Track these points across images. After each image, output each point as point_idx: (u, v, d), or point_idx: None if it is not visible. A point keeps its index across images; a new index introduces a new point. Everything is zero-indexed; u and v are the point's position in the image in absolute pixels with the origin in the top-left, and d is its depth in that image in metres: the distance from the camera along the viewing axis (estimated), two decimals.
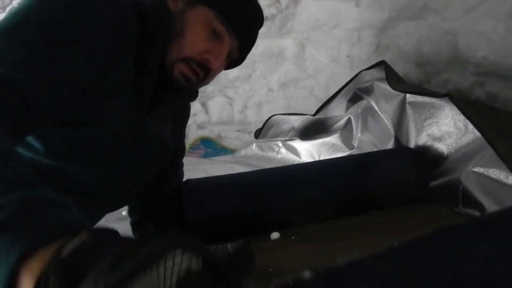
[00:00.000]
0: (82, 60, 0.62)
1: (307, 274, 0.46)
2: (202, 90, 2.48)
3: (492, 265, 0.51)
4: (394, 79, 1.27)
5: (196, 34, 0.75)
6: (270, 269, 0.79)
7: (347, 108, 1.60)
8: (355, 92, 1.53)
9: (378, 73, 1.35)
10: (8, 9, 0.69)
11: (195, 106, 2.46)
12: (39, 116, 0.56)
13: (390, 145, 1.36)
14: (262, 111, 2.51)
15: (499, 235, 0.54)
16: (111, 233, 0.40)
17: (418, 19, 1.63)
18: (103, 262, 0.32)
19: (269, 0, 2.26)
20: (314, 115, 1.66)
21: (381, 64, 1.32)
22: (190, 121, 2.43)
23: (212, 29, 0.76)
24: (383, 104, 1.38)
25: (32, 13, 0.59)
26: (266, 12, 2.27)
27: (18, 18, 0.58)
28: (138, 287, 0.30)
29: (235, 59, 0.85)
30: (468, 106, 1.12)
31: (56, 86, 0.59)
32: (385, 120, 1.40)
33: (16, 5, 0.61)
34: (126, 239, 0.38)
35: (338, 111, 1.64)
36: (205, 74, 0.78)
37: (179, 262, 0.32)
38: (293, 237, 0.94)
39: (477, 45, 1.41)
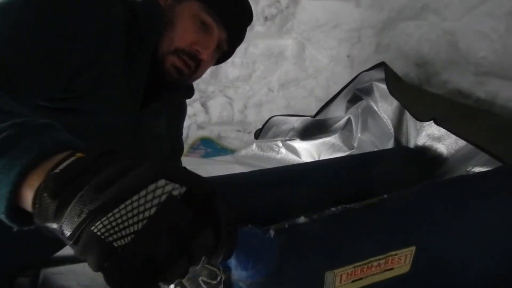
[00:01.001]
0: (66, 44, 0.63)
1: (302, 219, 0.51)
2: (202, 90, 2.48)
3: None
4: (393, 82, 1.26)
5: (185, 26, 0.78)
6: None
7: (347, 109, 1.60)
8: (355, 93, 1.53)
9: (378, 73, 1.35)
10: None
11: (195, 106, 2.46)
12: (20, 87, 0.58)
13: (390, 145, 1.36)
14: (262, 111, 2.51)
15: None
16: (106, 151, 0.39)
17: (418, 19, 1.63)
18: (91, 183, 0.34)
19: (269, 0, 2.26)
20: (314, 116, 1.66)
21: (381, 65, 1.32)
22: (190, 121, 2.44)
23: (200, 20, 0.79)
24: (383, 104, 1.38)
25: (22, 7, 0.60)
26: (266, 12, 2.27)
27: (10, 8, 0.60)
28: (118, 212, 0.33)
29: (225, 53, 0.87)
30: (455, 120, 1.14)
31: (39, 65, 0.60)
32: (384, 120, 1.39)
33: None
34: (120, 158, 0.39)
35: (338, 112, 1.64)
36: (196, 65, 0.81)
37: (161, 188, 0.34)
38: None
39: (477, 45, 1.41)
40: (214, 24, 0.80)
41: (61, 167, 0.37)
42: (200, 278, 0.63)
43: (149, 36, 0.76)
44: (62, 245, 0.85)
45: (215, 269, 0.63)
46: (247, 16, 0.87)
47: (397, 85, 1.28)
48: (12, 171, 0.37)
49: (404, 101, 1.19)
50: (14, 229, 0.41)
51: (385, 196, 0.62)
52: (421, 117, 1.08)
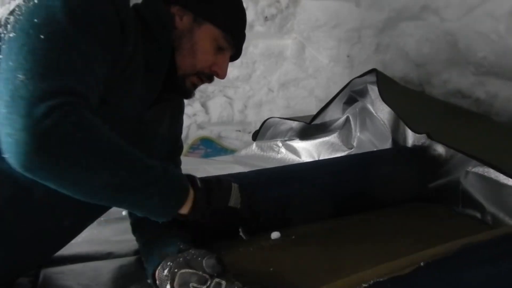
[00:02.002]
0: (102, 56, 0.67)
1: None
2: (202, 90, 2.48)
3: None
4: (385, 89, 1.25)
5: (206, 51, 0.86)
6: (271, 269, 0.79)
7: (344, 110, 1.60)
8: (350, 95, 1.54)
9: (371, 77, 1.35)
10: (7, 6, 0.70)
11: (195, 106, 2.46)
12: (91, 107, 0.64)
13: (388, 144, 1.36)
14: (262, 111, 2.50)
15: None
16: (213, 182, 0.78)
17: (418, 19, 1.63)
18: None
19: (269, 0, 2.26)
20: (310, 122, 1.65)
21: (373, 72, 1.32)
22: (190, 121, 2.44)
23: (218, 44, 0.87)
24: (379, 104, 1.38)
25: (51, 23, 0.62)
26: (266, 12, 2.27)
27: (43, 30, 0.61)
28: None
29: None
30: (450, 125, 1.13)
31: (94, 83, 0.65)
32: (381, 121, 1.40)
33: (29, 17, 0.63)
34: (220, 184, 0.80)
35: (335, 115, 1.64)
36: (211, 81, 0.91)
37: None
38: (293, 237, 0.94)
39: (477, 45, 1.41)
40: (229, 47, 0.89)
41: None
42: (190, 284, 0.63)
43: (164, 43, 0.82)
44: (60, 245, 0.85)
45: (204, 275, 0.64)
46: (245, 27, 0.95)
47: (390, 91, 1.27)
48: (174, 201, 0.71)
49: (398, 109, 1.19)
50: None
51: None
52: (417, 129, 1.09)
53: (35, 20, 0.61)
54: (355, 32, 1.97)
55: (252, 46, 2.34)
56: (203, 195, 0.74)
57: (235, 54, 0.93)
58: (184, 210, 0.72)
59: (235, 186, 0.81)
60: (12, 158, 0.56)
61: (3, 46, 0.62)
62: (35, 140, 0.54)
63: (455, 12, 1.46)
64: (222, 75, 0.89)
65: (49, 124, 0.55)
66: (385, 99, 1.19)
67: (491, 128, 1.26)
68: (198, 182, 0.75)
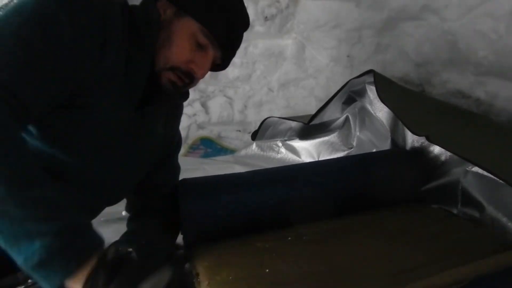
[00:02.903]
0: (71, 57, 0.65)
1: None
2: (202, 90, 2.48)
3: None
4: (384, 89, 1.25)
5: (182, 45, 0.80)
6: (267, 270, 0.79)
7: (343, 110, 1.60)
8: (349, 95, 1.53)
9: (369, 77, 1.35)
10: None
11: (195, 106, 2.46)
12: (33, 109, 0.62)
13: (388, 144, 1.36)
14: (262, 111, 2.51)
15: None
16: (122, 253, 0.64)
17: (418, 19, 1.63)
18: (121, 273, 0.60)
19: (269, 0, 2.26)
20: (308, 123, 1.64)
21: (370, 73, 1.32)
22: (190, 121, 2.44)
23: (196, 40, 0.81)
24: (378, 105, 1.38)
25: (25, 17, 0.62)
26: (266, 12, 2.27)
27: (12, 20, 0.61)
28: None
29: (218, 65, 0.89)
30: (448, 127, 1.12)
31: (46, 84, 0.63)
32: (380, 120, 1.40)
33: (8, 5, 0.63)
34: (130, 260, 0.63)
35: (334, 114, 1.64)
36: (190, 81, 0.83)
37: None
38: (289, 238, 0.94)
39: (477, 45, 1.41)
40: (210, 45, 0.82)
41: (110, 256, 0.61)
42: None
43: (148, 40, 0.78)
44: None
45: None
46: (243, 28, 0.89)
47: (388, 92, 1.27)
48: (67, 268, 0.57)
49: (397, 110, 1.18)
50: None
51: None
52: (416, 131, 1.09)
53: (1, 13, 0.61)
54: (355, 32, 1.97)
55: (252, 46, 2.34)
56: (105, 271, 0.59)
57: (222, 59, 0.87)
58: (74, 285, 0.58)
59: (130, 253, 0.65)
60: None
61: None
62: None
63: (455, 12, 1.46)
64: (199, 74, 0.82)
65: None
66: (384, 100, 1.19)
67: (490, 128, 1.26)
68: (110, 252, 0.62)
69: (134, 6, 0.80)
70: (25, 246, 0.55)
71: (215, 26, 0.81)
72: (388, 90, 1.29)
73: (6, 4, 0.64)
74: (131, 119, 0.81)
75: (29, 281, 0.61)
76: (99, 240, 0.62)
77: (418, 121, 1.15)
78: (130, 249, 0.66)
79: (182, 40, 0.80)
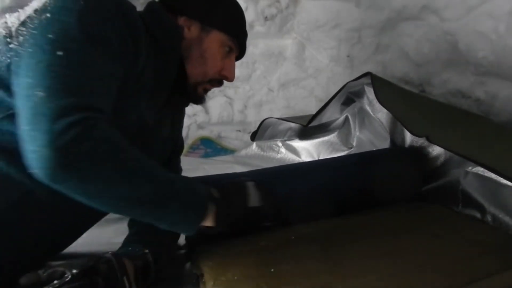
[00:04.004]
0: (116, 71, 0.69)
1: None
2: None
3: None
4: (382, 91, 1.25)
5: (215, 58, 0.88)
6: (272, 269, 0.79)
7: (342, 111, 1.60)
8: (348, 96, 1.53)
9: (367, 79, 1.35)
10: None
11: (195, 106, 2.44)
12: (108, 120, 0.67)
13: (387, 144, 1.36)
14: (262, 111, 2.50)
15: None
16: (227, 187, 0.79)
17: (418, 19, 1.63)
18: None
19: (269, 0, 2.26)
20: (307, 125, 1.64)
21: (367, 75, 1.32)
22: (190, 121, 2.44)
23: (225, 49, 0.89)
24: (377, 106, 1.38)
25: (80, 42, 0.64)
26: (266, 12, 2.27)
27: (70, 46, 0.63)
28: None
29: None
30: (447, 127, 1.13)
31: (109, 97, 0.68)
32: (379, 121, 1.39)
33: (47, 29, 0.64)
34: (235, 187, 0.80)
35: (334, 115, 1.64)
36: (221, 85, 0.93)
37: None
38: (292, 237, 0.94)
39: (477, 45, 1.41)
40: (235, 49, 0.91)
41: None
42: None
43: (174, 55, 0.84)
44: (62, 247, 0.86)
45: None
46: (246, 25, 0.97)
47: (386, 94, 1.27)
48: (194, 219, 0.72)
49: (396, 112, 1.18)
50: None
51: None
52: (416, 132, 1.09)
53: (50, 36, 0.63)
54: (355, 32, 1.97)
55: (252, 46, 2.34)
56: (223, 205, 0.75)
57: (240, 53, 0.96)
58: (207, 223, 0.73)
59: (249, 184, 0.81)
60: (38, 174, 0.58)
61: (16, 59, 0.64)
62: (57, 155, 0.57)
63: (455, 12, 1.46)
64: (232, 78, 0.91)
65: (70, 140, 0.57)
66: (382, 102, 1.19)
67: (490, 128, 1.26)
68: (215, 192, 0.76)
69: (144, 16, 0.82)
70: (169, 216, 0.68)
71: (235, 31, 0.90)
72: (386, 91, 1.29)
73: (43, 22, 0.64)
74: (145, 123, 0.83)
75: (55, 282, 0.61)
76: (204, 186, 0.75)
77: (418, 122, 1.15)
78: (146, 250, 0.78)
79: (215, 53, 0.87)
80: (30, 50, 0.63)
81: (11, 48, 0.65)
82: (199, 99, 0.92)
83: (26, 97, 0.60)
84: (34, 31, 0.64)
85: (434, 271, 0.76)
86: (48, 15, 0.64)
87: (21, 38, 0.64)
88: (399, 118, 1.15)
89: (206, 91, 0.92)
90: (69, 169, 0.58)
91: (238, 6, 0.94)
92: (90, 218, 0.87)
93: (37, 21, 0.64)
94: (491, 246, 0.86)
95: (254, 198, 0.79)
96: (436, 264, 0.79)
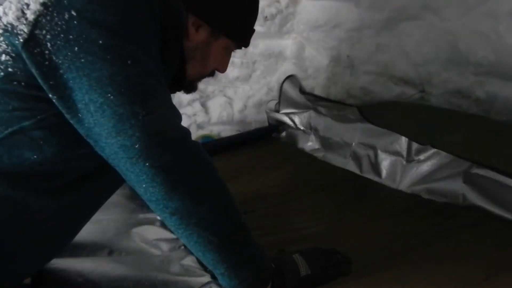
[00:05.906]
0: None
1: None
2: (202, 90, 2.47)
3: None
4: (374, 115, 1.28)
5: (216, 59, 0.87)
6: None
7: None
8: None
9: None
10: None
11: (195, 106, 2.45)
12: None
13: None
14: (262, 111, 2.50)
15: None
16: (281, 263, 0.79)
17: (418, 19, 1.63)
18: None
19: (269, 0, 2.26)
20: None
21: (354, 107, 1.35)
22: (190, 121, 2.44)
23: (228, 51, 0.88)
24: None
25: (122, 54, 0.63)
26: (266, 12, 2.27)
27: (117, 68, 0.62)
28: None
29: None
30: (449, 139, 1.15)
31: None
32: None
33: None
34: (286, 262, 0.80)
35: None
36: (213, 75, 0.93)
37: None
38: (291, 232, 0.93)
39: (477, 45, 1.41)
40: (235, 49, 0.90)
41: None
42: None
43: (177, 52, 0.81)
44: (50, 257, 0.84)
45: None
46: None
47: (380, 116, 1.29)
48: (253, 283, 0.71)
49: (396, 128, 1.21)
50: None
51: None
52: (420, 141, 1.10)
53: (100, 41, 0.59)
54: (355, 32, 1.97)
55: (252, 46, 2.32)
56: (278, 278, 0.76)
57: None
58: None
59: (297, 257, 0.81)
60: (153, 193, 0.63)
61: (67, 65, 0.59)
62: (178, 171, 0.64)
63: (455, 12, 1.46)
64: (224, 71, 0.91)
65: (192, 157, 0.67)
66: (381, 125, 1.20)
67: (488, 128, 1.26)
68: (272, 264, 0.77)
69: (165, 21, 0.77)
70: (241, 270, 0.69)
71: (246, 40, 0.89)
72: (381, 114, 1.30)
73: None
74: None
75: None
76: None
77: (419, 130, 1.16)
78: None
79: (217, 56, 0.87)
80: (83, 61, 0.59)
81: (33, 52, 0.59)
82: (192, 90, 0.93)
83: (122, 115, 0.60)
84: (70, 36, 0.58)
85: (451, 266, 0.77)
86: (73, 13, 0.59)
87: (48, 44, 0.59)
88: (401, 132, 1.16)
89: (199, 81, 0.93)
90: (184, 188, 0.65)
91: (255, 12, 0.89)
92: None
93: (65, 24, 0.59)
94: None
95: (304, 268, 0.79)
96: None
